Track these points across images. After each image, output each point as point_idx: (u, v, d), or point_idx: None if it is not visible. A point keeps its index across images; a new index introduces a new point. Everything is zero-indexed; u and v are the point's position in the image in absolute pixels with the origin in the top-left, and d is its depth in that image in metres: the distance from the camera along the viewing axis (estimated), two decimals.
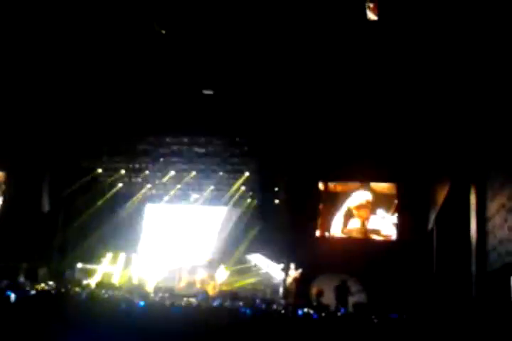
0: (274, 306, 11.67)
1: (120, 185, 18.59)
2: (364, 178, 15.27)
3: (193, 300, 12.99)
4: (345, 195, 15.57)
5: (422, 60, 10.38)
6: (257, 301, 12.09)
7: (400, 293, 12.53)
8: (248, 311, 9.88)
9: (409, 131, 13.41)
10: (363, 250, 14.01)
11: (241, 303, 11.64)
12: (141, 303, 9.94)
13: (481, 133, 9.90)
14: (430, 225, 13.24)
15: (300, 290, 14.34)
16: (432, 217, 13.00)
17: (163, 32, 10.89)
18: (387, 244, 14.46)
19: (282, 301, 13.75)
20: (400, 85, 11.65)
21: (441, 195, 12.15)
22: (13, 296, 9.83)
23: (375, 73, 11.26)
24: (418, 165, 14.04)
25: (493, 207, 9.50)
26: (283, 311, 10.43)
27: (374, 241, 14.75)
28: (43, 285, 13.80)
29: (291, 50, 10.84)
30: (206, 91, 13.52)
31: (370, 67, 11.02)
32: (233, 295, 13.62)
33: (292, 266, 15.11)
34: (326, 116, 13.61)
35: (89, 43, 11.47)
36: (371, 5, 9.13)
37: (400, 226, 14.60)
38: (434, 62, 10.18)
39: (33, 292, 11.53)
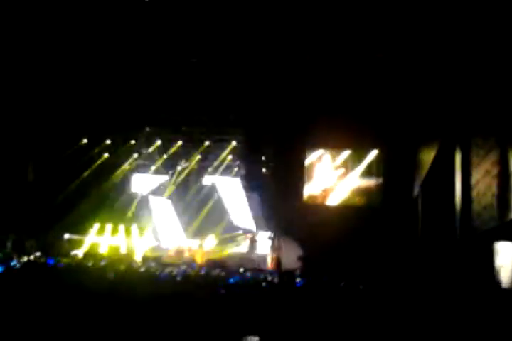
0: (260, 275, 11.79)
1: (106, 155, 18.44)
2: (349, 145, 15.24)
3: (183, 268, 13.09)
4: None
5: (408, 23, 10.23)
6: (241, 269, 12.22)
7: (384, 259, 12.68)
8: (233, 280, 9.96)
9: (395, 94, 13.31)
10: (348, 217, 14.11)
11: (226, 272, 11.73)
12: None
13: (466, 99, 9.81)
14: (416, 192, 13.30)
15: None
16: (418, 183, 13.05)
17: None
18: (372, 210, 14.55)
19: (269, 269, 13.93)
20: (384, 46, 11.52)
21: (427, 161, 12.16)
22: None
23: (358, 37, 11.11)
24: (403, 131, 14.01)
25: (478, 173, 9.50)
26: (269, 279, 10.54)
27: (360, 208, 14.84)
28: (30, 256, 13.82)
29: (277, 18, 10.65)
30: (192, 60, 13.34)
31: (355, 31, 10.86)
32: (220, 264, 13.75)
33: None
34: (309, 82, 13.49)
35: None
36: None
37: (384, 193, 14.68)
38: (420, 25, 10.03)
39: (19, 264, 11.53)
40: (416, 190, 13.24)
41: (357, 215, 14.27)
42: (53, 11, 11.14)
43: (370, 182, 15.05)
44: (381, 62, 12.34)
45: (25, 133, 16.35)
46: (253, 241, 16.19)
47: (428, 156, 11.95)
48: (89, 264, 12.40)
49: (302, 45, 12.16)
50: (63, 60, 13.37)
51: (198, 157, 18.39)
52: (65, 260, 13.57)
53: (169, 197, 18.87)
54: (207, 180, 18.81)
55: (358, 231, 13.68)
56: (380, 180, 14.89)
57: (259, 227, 17.23)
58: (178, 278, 9.78)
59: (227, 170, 18.51)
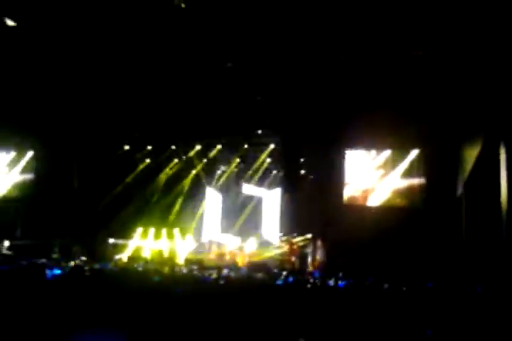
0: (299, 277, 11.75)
1: (148, 160, 18.79)
2: (389, 145, 15.03)
3: (225, 271, 13.18)
4: None
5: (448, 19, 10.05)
6: (284, 273, 12.21)
7: (429, 261, 12.47)
8: (279, 282, 9.98)
9: (436, 92, 13.08)
10: (390, 218, 13.89)
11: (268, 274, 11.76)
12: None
13: (509, 95, 9.60)
14: (459, 192, 13.04)
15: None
16: (461, 183, 12.79)
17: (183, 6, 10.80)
18: (414, 211, 14.28)
19: (310, 271, 13.88)
20: (422, 44, 11.32)
21: (470, 160, 11.93)
22: (49, 273, 10.06)
23: (397, 35, 10.96)
24: (445, 129, 13.75)
25: None
26: (311, 280, 10.51)
27: (401, 209, 14.59)
28: (77, 261, 14.16)
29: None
30: (227, 64, 13.46)
31: (393, 29, 10.72)
32: (261, 266, 13.79)
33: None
34: (348, 82, 13.38)
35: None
36: None
37: (427, 193, 14.38)
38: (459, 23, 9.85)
39: (67, 269, 11.81)
40: (459, 190, 12.99)
41: (398, 216, 14.03)
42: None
43: (412, 182, 14.79)
44: (420, 60, 12.16)
45: (70, 141, 16.82)
46: (292, 244, 16.18)
47: (471, 155, 11.73)
48: (134, 268, 12.63)
49: (339, 45, 12.09)
50: (108, 72, 13.71)
51: (237, 160, 18.54)
52: (111, 264, 13.88)
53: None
54: (247, 187, 18.90)
55: (400, 232, 13.47)
56: (422, 180, 14.58)
57: (298, 230, 17.20)
58: (221, 282, 9.86)
59: (267, 174, 18.56)
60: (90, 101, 15.50)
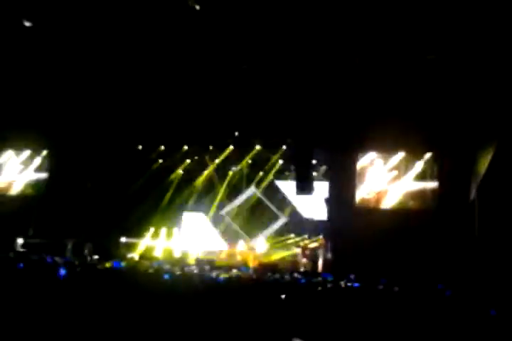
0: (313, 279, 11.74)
1: (160, 160, 18.88)
2: (402, 147, 14.97)
3: (234, 271, 13.20)
4: None
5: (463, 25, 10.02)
6: (295, 274, 12.22)
7: (440, 264, 12.41)
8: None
9: (450, 95, 13.03)
10: (402, 221, 13.86)
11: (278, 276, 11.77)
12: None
13: None
14: (472, 196, 12.96)
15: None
16: (474, 187, 12.72)
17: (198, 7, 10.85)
18: (427, 214, 14.22)
19: (321, 273, 13.86)
20: (437, 47, 11.28)
21: (484, 164, 11.86)
22: (62, 272, 10.15)
23: (410, 39, 10.94)
24: (459, 133, 13.68)
25: None
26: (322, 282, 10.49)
27: (414, 212, 14.52)
28: (89, 259, 14.27)
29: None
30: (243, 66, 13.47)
31: (407, 32, 10.71)
32: (272, 267, 13.80)
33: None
34: (361, 85, 13.37)
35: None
36: None
37: (440, 197, 14.31)
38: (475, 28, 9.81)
39: (79, 267, 11.90)
40: (473, 194, 12.92)
41: (411, 219, 13.99)
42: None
43: (425, 185, 14.74)
44: (435, 65, 12.13)
45: (83, 141, 16.95)
46: (304, 246, 16.18)
47: (485, 159, 11.68)
48: (146, 267, 12.70)
49: (353, 47, 12.10)
50: (121, 72, 13.83)
51: (249, 161, 18.56)
52: (123, 263, 13.95)
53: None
54: (257, 184, 18.95)
55: (413, 235, 13.43)
56: (435, 184, 14.54)
57: (310, 231, 17.21)
58: (232, 282, 9.89)
59: (279, 174, 18.59)
60: (104, 101, 15.63)
